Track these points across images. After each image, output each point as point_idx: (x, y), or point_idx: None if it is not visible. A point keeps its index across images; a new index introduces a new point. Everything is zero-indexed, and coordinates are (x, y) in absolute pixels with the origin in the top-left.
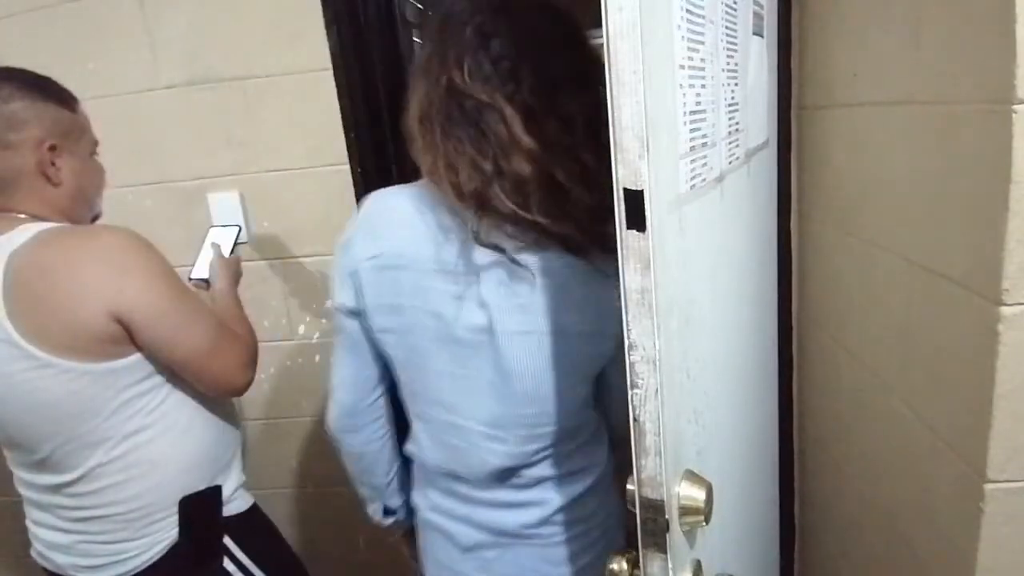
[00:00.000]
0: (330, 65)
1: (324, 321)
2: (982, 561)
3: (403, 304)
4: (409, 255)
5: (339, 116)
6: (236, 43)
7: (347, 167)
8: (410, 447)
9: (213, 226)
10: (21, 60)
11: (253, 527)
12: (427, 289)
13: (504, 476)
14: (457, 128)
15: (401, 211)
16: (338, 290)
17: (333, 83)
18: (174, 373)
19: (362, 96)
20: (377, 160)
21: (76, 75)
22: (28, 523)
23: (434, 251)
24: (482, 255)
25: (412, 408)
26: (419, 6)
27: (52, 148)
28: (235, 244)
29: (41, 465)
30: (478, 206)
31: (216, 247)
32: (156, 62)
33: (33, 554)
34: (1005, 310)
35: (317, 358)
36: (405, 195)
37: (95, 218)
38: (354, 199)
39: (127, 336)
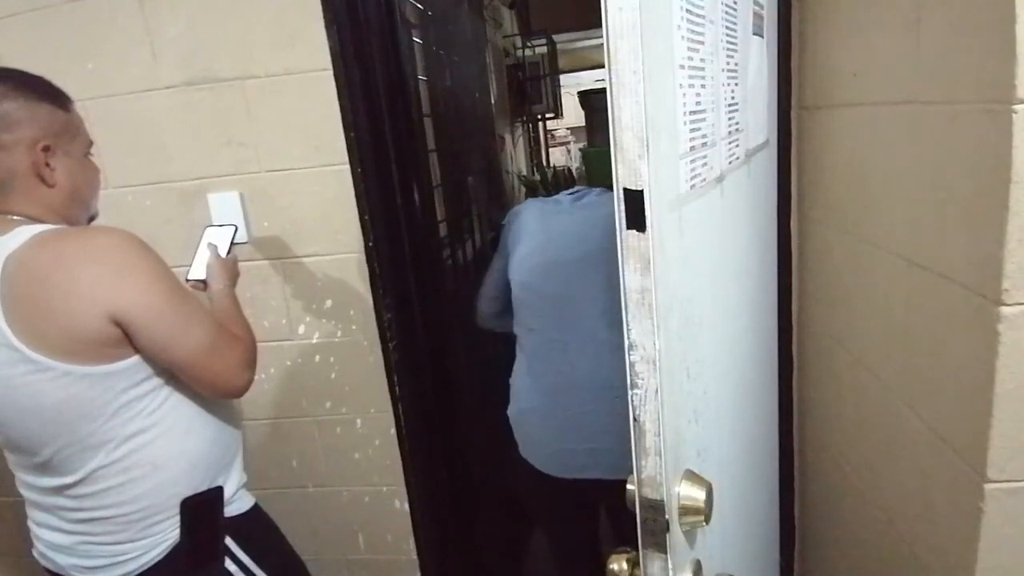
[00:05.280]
0: (330, 65)
1: (324, 321)
2: (982, 561)
3: None
4: None
5: (339, 116)
6: (236, 43)
7: (347, 167)
8: None
9: (209, 226)
10: (21, 60)
11: (255, 527)
12: None
13: None
14: None
15: None
16: None
17: (333, 83)
18: (173, 375)
19: (362, 96)
20: (377, 160)
21: (76, 75)
22: (30, 524)
23: None
24: None
25: None
26: (419, 6)
27: (46, 149)
28: (232, 244)
29: (42, 468)
30: None
31: (213, 247)
32: (156, 62)
33: (35, 554)
34: (1005, 310)
35: (317, 358)
36: None
37: (92, 219)
38: (354, 199)
39: (125, 338)
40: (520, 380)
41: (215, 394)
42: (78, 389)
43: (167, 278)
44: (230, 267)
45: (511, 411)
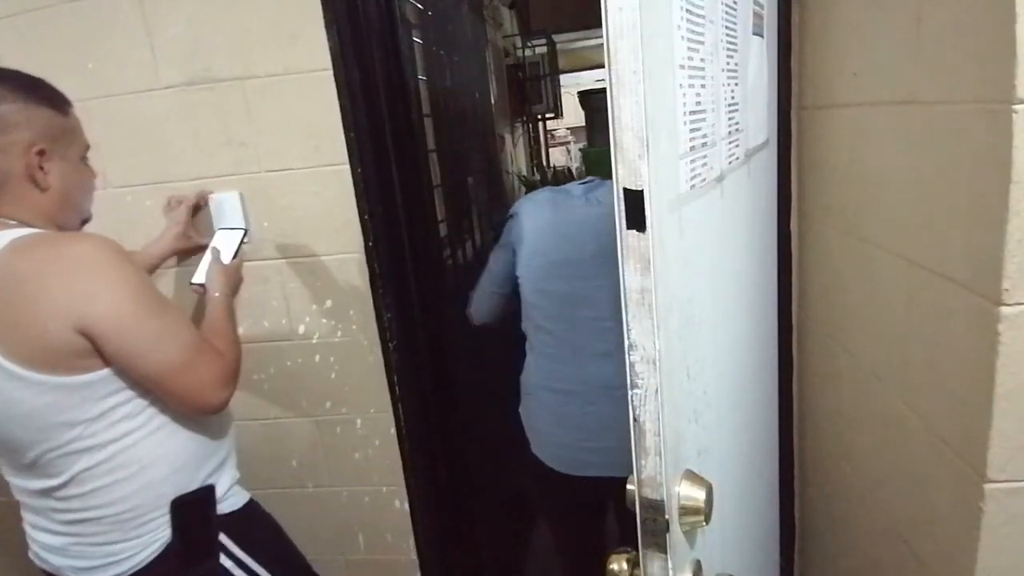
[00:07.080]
0: (330, 65)
1: (324, 321)
2: (982, 561)
3: None
4: None
5: (339, 116)
6: (236, 43)
7: (347, 167)
8: None
9: (221, 228)
10: (21, 60)
11: (250, 523)
12: None
13: None
14: None
15: None
16: None
17: (333, 83)
18: None
19: (362, 96)
20: (377, 160)
21: (76, 75)
22: (25, 525)
23: None
24: None
25: None
26: (419, 6)
27: (41, 153)
28: (240, 247)
29: (29, 470)
30: None
31: (216, 252)
32: (156, 62)
33: (31, 555)
34: (1005, 310)
35: (317, 358)
36: None
37: (85, 221)
38: (354, 199)
39: (95, 349)
40: (530, 378)
41: (186, 411)
42: (54, 398)
43: (140, 289)
44: (231, 274)
45: (522, 408)
